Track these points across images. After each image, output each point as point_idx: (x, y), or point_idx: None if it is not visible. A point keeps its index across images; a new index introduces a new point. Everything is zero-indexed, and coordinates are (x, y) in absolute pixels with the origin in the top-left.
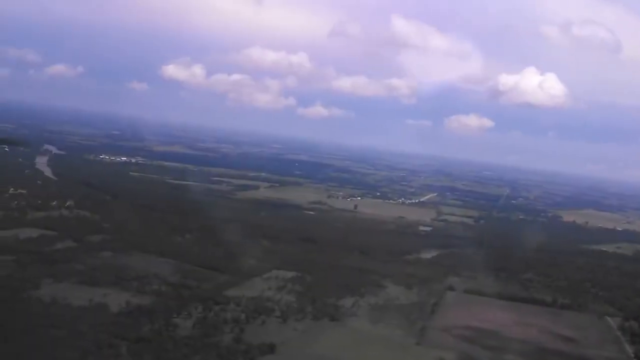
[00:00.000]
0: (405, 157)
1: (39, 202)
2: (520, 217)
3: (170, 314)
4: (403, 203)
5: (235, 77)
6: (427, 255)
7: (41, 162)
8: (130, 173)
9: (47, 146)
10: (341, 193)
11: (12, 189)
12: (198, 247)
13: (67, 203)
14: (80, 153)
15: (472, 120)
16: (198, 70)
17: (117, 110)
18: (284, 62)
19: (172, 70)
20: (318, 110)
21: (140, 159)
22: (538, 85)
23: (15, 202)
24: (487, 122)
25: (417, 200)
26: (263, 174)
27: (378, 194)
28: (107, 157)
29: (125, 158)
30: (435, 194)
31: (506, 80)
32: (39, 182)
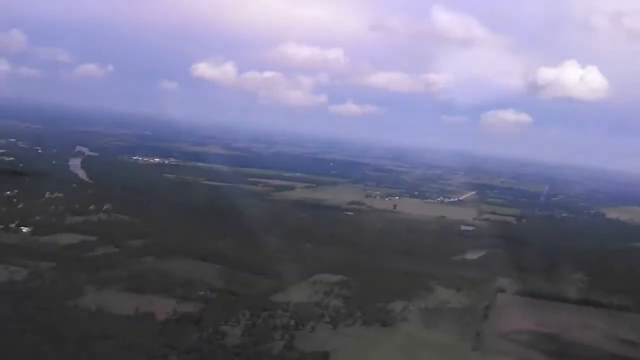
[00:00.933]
0: (441, 154)
1: (76, 206)
2: (563, 214)
3: (218, 321)
4: (442, 202)
5: (267, 74)
6: (473, 256)
7: (75, 164)
8: (164, 175)
9: (79, 147)
10: (379, 193)
11: (48, 193)
12: (240, 251)
13: (105, 207)
14: (113, 154)
15: (509, 116)
16: (229, 68)
17: (147, 111)
18: (319, 58)
19: (202, 68)
20: (350, 107)
21: (173, 160)
22: (579, 78)
23: (53, 206)
24: (525, 117)
25: (456, 199)
26: (298, 174)
27: (416, 193)
28: (140, 159)
29: (158, 159)
30: (474, 192)
31: (546, 74)
32: (74, 185)
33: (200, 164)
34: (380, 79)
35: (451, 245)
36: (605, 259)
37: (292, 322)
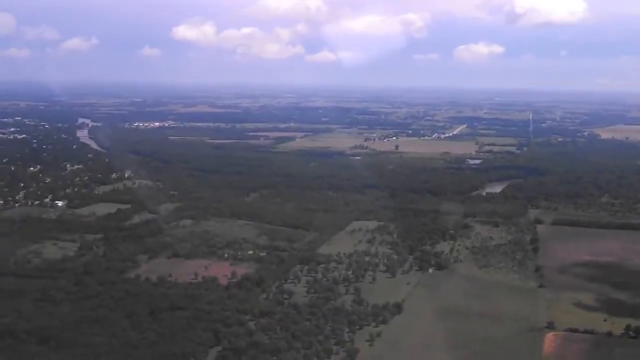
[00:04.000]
0: (417, 92)
1: (99, 175)
2: (559, 139)
3: (278, 280)
4: (439, 138)
5: (245, 30)
6: (494, 189)
7: (83, 135)
8: (170, 137)
9: (81, 119)
10: (375, 135)
11: (68, 165)
12: (269, 206)
13: (127, 174)
14: (115, 123)
15: (481, 48)
16: (208, 29)
17: (133, 78)
18: (299, 8)
19: (182, 31)
20: (326, 55)
21: (172, 123)
22: (557, 1)
23: (77, 178)
24: (497, 49)
25: (451, 134)
26: (292, 124)
27: (410, 131)
28: (141, 124)
29: (158, 123)
30: (464, 126)
31: (523, 1)
32: (90, 155)
33: (198, 124)
34: (358, 24)
35: (468, 180)
36: (624, 180)
37: (350, 275)
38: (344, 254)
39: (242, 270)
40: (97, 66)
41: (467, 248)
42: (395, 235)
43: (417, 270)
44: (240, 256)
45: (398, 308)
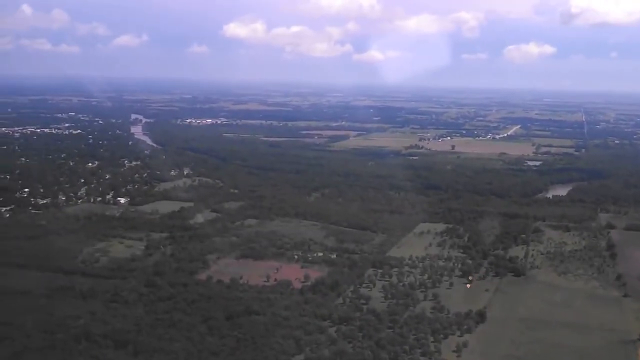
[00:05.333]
0: (464, 92)
1: (158, 172)
2: (616, 141)
3: (353, 284)
4: (493, 139)
5: (295, 29)
6: (559, 192)
7: (137, 132)
8: (224, 135)
9: (134, 115)
10: (429, 135)
11: (126, 161)
12: (333, 205)
13: (185, 171)
14: (167, 119)
15: (532, 49)
16: (259, 26)
17: (181, 75)
18: (351, 6)
19: (232, 29)
20: (374, 54)
21: (224, 120)
22: (614, 2)
23: (136, 175)
24: (548, 49)
25: (505, 135)
26: (344, 122)
27: (464, 131)
28: (193, 121)
29: (210, 120)
30: (518, 126)
31: (579, 1)
32: (146, 151)
33: (250, 122)
34: (410, 23)
35: (531, 182)
36: None
37: (426, 280)
38: (416, 257)
39: (313, 273)
40: (147, 63)
41: (541, 253)
42: (465, 239)
43: (494, 276)
44: (311, 258)
45: (481, 316)
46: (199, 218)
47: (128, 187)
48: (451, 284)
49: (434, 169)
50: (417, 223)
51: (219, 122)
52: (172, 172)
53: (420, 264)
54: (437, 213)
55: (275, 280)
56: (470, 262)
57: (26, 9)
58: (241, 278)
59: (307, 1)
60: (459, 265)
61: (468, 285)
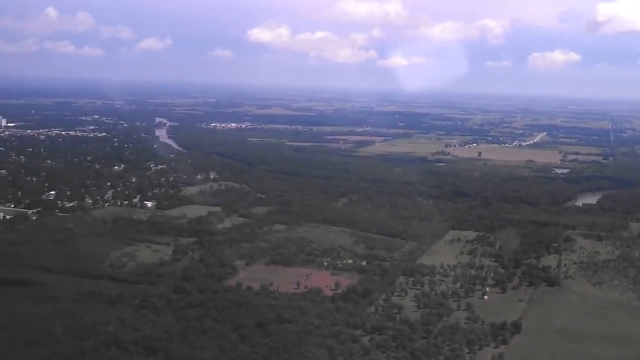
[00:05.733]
0: (488, 99)
1: (184, 176)
2: None
3: (384, 292)
4: (520, 146)
5: (320, 34)
6: (588, 200)
7: (162, 135)
8: (249, 139)
9: (158, 119)
10: (454, 141)
11: (152, 164)
12: (361, 212)
13: (212, 175)
14: (192, 123)
15: (557, 56)
16: (283, 32)
17: (204, 79)
18: (376, 13)
19: (257, 33)
20: (397, 60)
21: (248, 124)
22: None
23: (162, 178)
24: (574, 57)
25: (531, 142)
26: (369, 128)
27: (490, 138)
28: (218, 125)
29: (234, 124)
30: (544, 134)
31: (606, 8)
32: (172, 155)
33: (275, 126)
34: (435, 29)
35: (560, 190)
36: None
37: (459, 289)
38: (448, 265)
39: (344, 280)
40: (170, 66)
41: (574, 263)
42: (497, 247)
43: (528, 286)
44: (341, 265)
45: (517, 327)
46: (227, 223)
47: (154, 190)
48: (484, 294)
49: (461, 175)
50: (447, 230)
51: (243, 126)
52: (199, 176)
53: (452, 273)
54: (466, 220)
55: (306, 287)
56: (502, 271)
57: (51, 11)
58: (271, 285)
59: (332, 7)
60: (492, 274)
61: (485, 297)
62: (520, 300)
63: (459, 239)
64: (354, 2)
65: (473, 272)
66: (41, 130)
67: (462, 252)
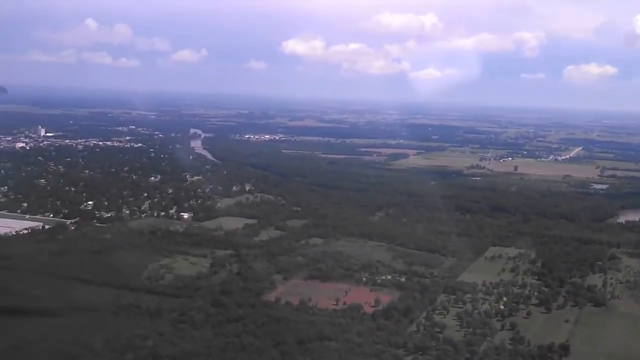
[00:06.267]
0: (521, 112)
1: (220, 187)
2: None
3: (425, 310)
4: (556, 160)
5: (353, 46)
6: (631, 217)
7: (197, 146)
8: (282, 151)
9: (193, 130)
10: (489, 155)
11: (188, 175)
12: (398, 226)
13: (247, 187)
14: (226, 134)
15: (592, 69)
16: (317, 44)
17: (238, 90)
18: (412, 24)
19: (291, 45)
20: (430, 72)
21: (282, 136)
22: None
23: (199, 189)
24: (610, 70)
25: (567, 157)
26: (402, 141)
27: (525, 152)
28: (252, 136)
29: (268, 136)
30: (579, 148)
31: None
32: (207, 166)
33: (308, 138)
34: (470, 41)
35: (601, 206)
36: None
37: (502, 307)
38: (490, 283)
39: (384, 296)
40: (205, 77)
41: (620, 282)
42: (539, 265)
43: (573, 306)
44: (380, 281)
45: (565, 350)
46: (263, 235)
47: (191, 202)
48: (529, 313)
49: (498, 190)
50: (487, 247)
51: (276, 138)
52: (234, 188)
53: (495, 291)
54: (507, 237)
55: (345, 303)
56: (546, 289)
57: (90, 23)
58: (310, 300)
59: (368, 19)
60: (535, 293)
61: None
62: (567, 321)
63: (499, 256)
64: (389, 14)
65: (516, 290)
66: (79, 140)
67: (503, 270)
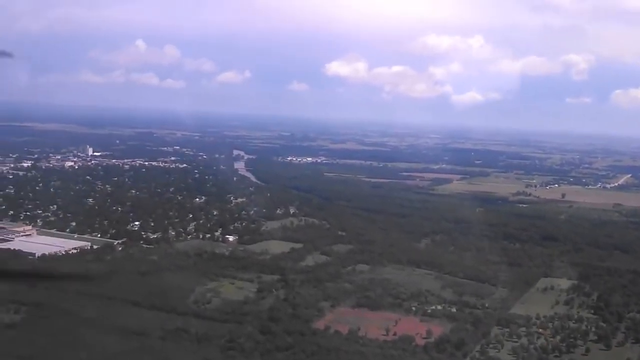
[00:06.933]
0: (565, 137)
1: (264, 210)
2: None
3: (479, 343)
4: (604, 188)
5: (396, 68)
6: None
7: (240, 167)
8: (325, 174)
9: (236, 151)
10: (534, 181)
11: (232, 197)
12: (446, 254)
13: (291, 210)
14: (268, 156)
15: None
16: (360, 66)
17: (279, 112)
18: (459, 46)
19: (335, 67)
20: (473, 95)
21: (324, 159)
22: None
23: (243, 212)
24: None
25: (616, 184)
26: (444, 165)
27: (571, 179)
28: (294, 159)
29: (310, 159)
30: (628, 175)
31: None
32: (250, 188)
33: (349, 161)
34: (516, 64)
35: None
36: None
37: (559, 342)
38: (544, 316)
39: (435, 328)
40: (248, 99)
41: None
42: (594, 298)
43: (634, 343)
44: (430, 311)
45: None
46: (309, 260)
47: (235, 224)
48: (587, 350)
49: (547, 218)
50: (538, 277)
51: (318, 160)
52: (278, 211)
53: (550, 325)
54: (559, 267)
55: (396, 334)
56: (604, 325)
57: (140, 44)
58: (359, 329)
59: (414, 40)
60: (593, 328)
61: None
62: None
63: (551, 287)
64: (435, 35)
65: (572, 324)
66: (125, 160)
67: (557, 302)
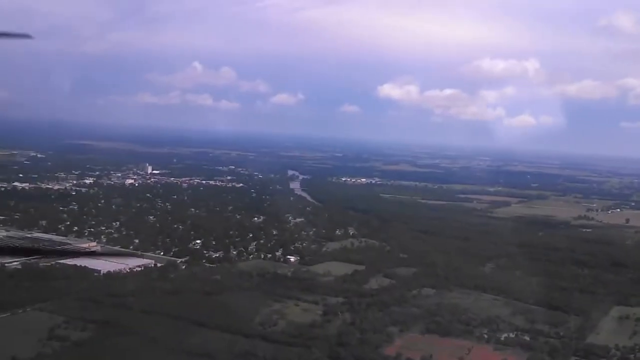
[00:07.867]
0: (619, 161)
1: (323, 231)
2: None
3: None
4: None
5: (447, 92)
6: None
7: (296, 187)
8: (380, 195)
9: (291, 171)
10: (595, 205)
11: (290, 217)
12: (512, 279)
13: (350, 231)
14: (322, 176)
15: None
16: (412, 88)
17: (331, 133)
18: (514, 69)
19: (387, 90)
20: (525, 119)
21: (378, 180)
22: None
23: (302, 232)
24: None
25: None
26: (500, 188)
27: (632, 203)
28: (348, 179)
29: (364, 179)
30: None
31: None
32: (308, 209)
33: (404, 182)
34: (571, 88)
35: None
36: None
37: None
38: (623, 347)
39: (510, 357)
40: (300, 120)
41: None
42: None
43: None
44: (503, 339)
45: None
46: (373, 283)
47: (296, 244)
48: None
49: (613, 243)
50: (611, 305)
51: (372, 181)
52: (337, 232)
53: (632, 356)
54: (632, 295)
55: None
56: None
57: (197, 66)
58: (431, 357)
59: (467, 64)
60: None
61: None
62: None
63: (627, 317)
64: (489, 59)
65: None
66: (183, 179)
67: (635, 332)
